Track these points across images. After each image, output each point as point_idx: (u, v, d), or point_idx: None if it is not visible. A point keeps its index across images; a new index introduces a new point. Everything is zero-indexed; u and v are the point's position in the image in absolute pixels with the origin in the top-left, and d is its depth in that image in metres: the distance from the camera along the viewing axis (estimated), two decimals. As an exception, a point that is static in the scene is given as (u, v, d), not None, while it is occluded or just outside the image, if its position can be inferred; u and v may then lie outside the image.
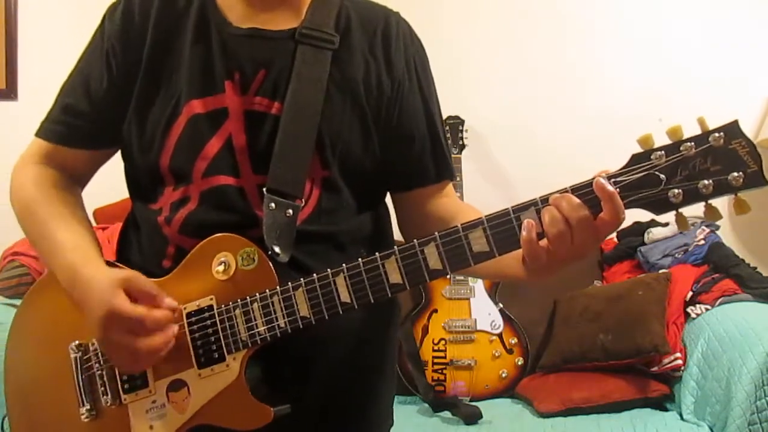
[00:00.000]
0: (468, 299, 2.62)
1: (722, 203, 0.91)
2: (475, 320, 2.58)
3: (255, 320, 1.05)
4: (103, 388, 1.12)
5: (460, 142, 2.91)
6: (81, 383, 1.13)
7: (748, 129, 3.12)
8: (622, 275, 2.71)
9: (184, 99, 1.11)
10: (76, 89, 1.18)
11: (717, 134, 0.88)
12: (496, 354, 2.56)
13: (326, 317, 1.03)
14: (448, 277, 2.63)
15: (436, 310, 2.62)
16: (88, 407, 1.13)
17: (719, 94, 2.89)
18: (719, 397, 2.02)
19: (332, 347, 1.12)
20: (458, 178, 2.80)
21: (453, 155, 2.82)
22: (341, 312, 1.02)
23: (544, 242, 0.93)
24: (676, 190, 0.89)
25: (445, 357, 2.54)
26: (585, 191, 0.91)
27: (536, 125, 3.04)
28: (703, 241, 2.60)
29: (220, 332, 1.06)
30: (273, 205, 1.07)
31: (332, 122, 1.12)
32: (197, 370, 1.07)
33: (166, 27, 1.14)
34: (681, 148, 0.89)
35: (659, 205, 0.90)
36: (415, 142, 1.20)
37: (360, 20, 1.18)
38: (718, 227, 2.69)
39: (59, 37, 2.93)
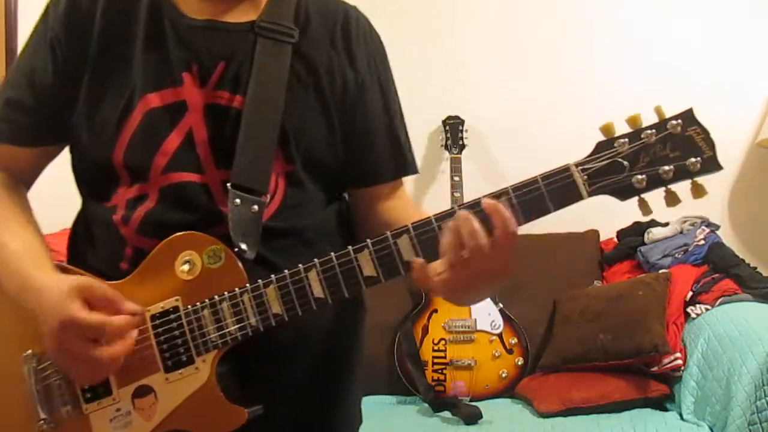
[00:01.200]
0: (468, 299, 2.62)
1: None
2: (475, 320, 2.58)
3: (225, 320, 1.01)
4: (62, 399, 1.05)
5: (460, 142, 2.91)
6: (37, 394, 1.05)
7: (748, 129, 3.14)
8: (622, 275, 2.71)
9: (139, 92, 1.06)
10: (19, 82, 1.11)
11: (674, 121, 0.91)
12: (496, 354, 2.56)
13: (300, 313, 1.00)
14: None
15: (436, 310, 2.62)
16: (46, 418, 1.05)
17: (719, 95, 2.89)
18: (719, 397, 2.02)
19: (303, 346, 1.10)
20: (458, 178, 2.80)
21: (453, 155, 2.87)
22: (315, 307, 1.00)
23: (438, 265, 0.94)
24: (639, 176, 0.92)
25: (445, 357, 2.54)
26: (476, 210, 0.92)
27: (536, 125, 3.04)
28: (703, 241, 2.60)
29: (188, 334, 1.02)
30: (238, 201, 1.04)
31: (295, 116, 1.09)
32: (164, 375, 1.03)
33: (117, 16, 1.09)
34: (642, 136, 0.92)
35: (624, 191, 0.93)
36: (375, 141, 1.18)
37: (319, 14, 1.15)
38: (718, 227, 2.69)
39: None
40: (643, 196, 0.93)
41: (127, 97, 1.07)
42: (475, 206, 0.93)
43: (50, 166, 1.20)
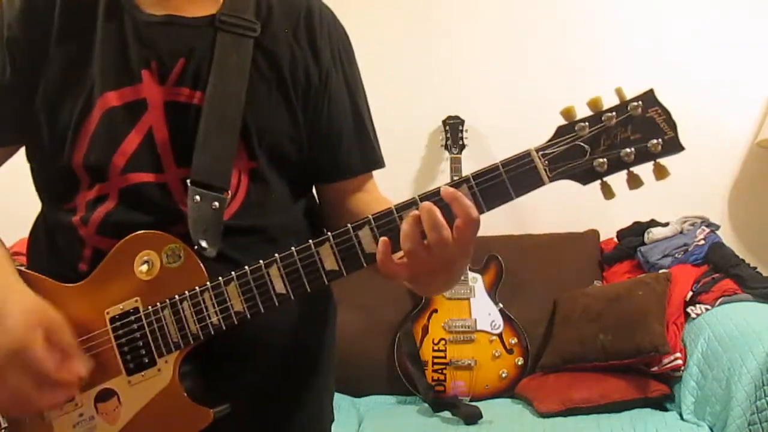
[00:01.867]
0: (468, 299, 2.63)
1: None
2: (475, 320, 2.59)
3: (186, 320, 0.99)
4: None
5: (460, 142, 2.91)
6: None
7: (748, 129, 3.14)
8: (622, 275, 2.71)
9: (97, 91, 1.03)
10: None
11: (635, 103, 0.91)
12: (496, 354, 2.56)
13: (262, 310, 0.98)
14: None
15: (436, 310, 2.62)
16: (6, 426, 1.03)
17: (719, 95, 2.89)
18: (719, 397, 2.02)
19: (269, 343, 1.08)
20: (458, 178, 2.80)
21: (453, 155, 2.87)
22: (277, 303, 0.98)
23: (400, 254, 0.92)
24: (600, 159, 0.91)
25: (445, 357, 2.54)
26: (435, 199, 0.92)
27: (536, 125, 3.02)
28: (703, 241, 2.60)
29: (149, 335, 1.00)
30: (198, 197, 1.01)
31: (257, 111, 1.07)
32: (126, 377, 1.00)
33: (75, 12, 1.06)
34: (603, 118, 0.91)
35: (585, 175, 0.92)
36: (342, 134, 1.16)
37: (281, 7, 1.12)
38: (718, 227, 2.69)
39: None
40: (605, 179, 0.92)
41: (86, 97, 1.04)
42: (434, 195, 0.92)
43: (5, 175, 1.17)
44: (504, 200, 0.94)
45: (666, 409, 2.27)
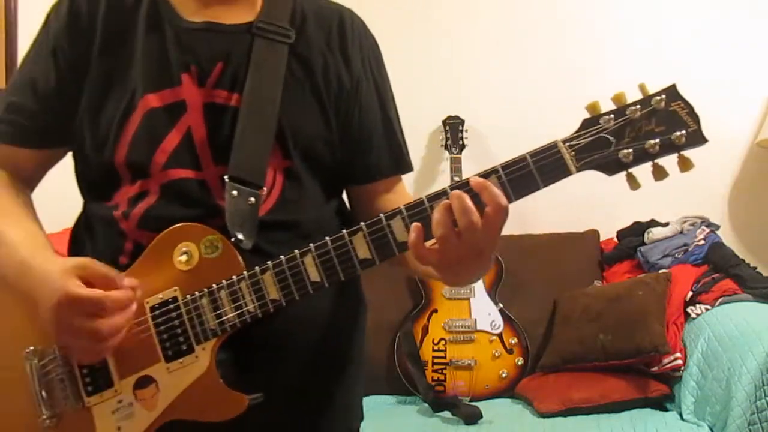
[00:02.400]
0: (468, 299, 2.63)
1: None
2: (475, 320, 2.59)
3: (223, 308, 1.03)
4: (64, 393, 1.07)
5: (460, 142, 2.92)
6: (39, 390, 1.07)
7: (748, 129, 3.14)
8: (622, 275, 2.71)
9: (139, 93, 1.09)
10: (23, 88, 1.15)
11: (658, 97, 0.94)
12: (496, 354, 2.56)
13: (297, 298, 1.02)
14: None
15: (436, 310, 2.62)
16: (49, 414, 1.07)
17: (719, 94, 2.89)
18: (719, 397, 2.02)
19: (301, 336, 1.11)
20: (458, 178, 2.80)
21: (453, 155, 2.87)
22: (312, 291, 1.02)
23: (432, 242, 0.95)
24: (625, 151, 0.93)
25: (445, 357, 2.54)
26: (466, 189, 0.95)
27: (536, 125, 3.03)
28: (703, 241, 2.60)
29: (187, 323, 1.04)
30: (235, 192, 1.06)
31: (292, 113, 1.12)
32: (165, 365, 1.04)
33: (116, 22, 1.13)
34: (627, 112, 0.94)
35: (611, 165, 0.95)
36: (372, 138, 1.21)
37: (314, 16, 1.19)
38: (718, 227, 2.69)
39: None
40: (630, 170, 0.95)
41: (128, 99, 1.10)
42: (464, 186, 0.95)
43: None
44: (532, 190, 0.97)
45: (666, 409, 2.27)
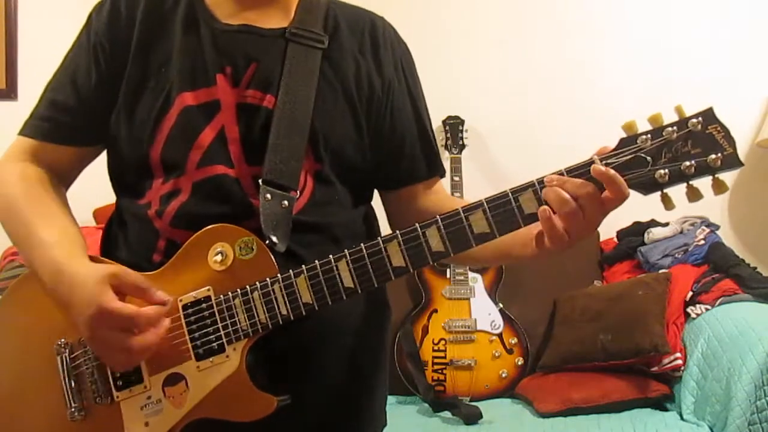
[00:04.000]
0: (468, 299, 2.63)
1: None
2: (475, 320, 2.59)
3: (255, 309, 1.04)
4: (93, 387, 1.09)
5: (460, 142, 2.92)
6: (68, 382, 1.10)
7: (748, 129, 3.14)
8: (622, 275, 2.71)
9: (175, 91, 1.12)
10: (63, 86, 1.17)
11: (695, 120, 0.94)
12: (496, 354, 2.56)
13: (329, 303, 1.03)
14: (448, 276, 2.64)
15: (436, 310, 2.62)
16: (77, 406, 1.09)
17: (719, 94, 2.89)
18: (719, 397, 2.02)
19: (331, 340, 1.13)
20: (458, 178, 2.80)
21: (453, 155, 2.87)
22: (345, 297, 1.03)
23: (557, 220, 0.97)
24: (662, 171, 0.95)
25: (445, 357, 2.54)
26: (581, 171, 0.97)
27: (536, 125, 3.04)
28: (703, 241, 2.60)
29: (219, 323, 1.05)
30: (269, 196, 1.08)
31: (324, 117, 1.14)
32: (195, 363, 1.06)
33: (154, 22, 1.16)
34: (664, 133, 0.95)
35: (647, 185, 0.96)
36: (405, 142, 1.23)
37: (347, 22, 1.22)
38: (718, 227, 2.70)
39: (59, 37, 2.92)
40: (665, 191, 0.96)
41: (165, 96, 1.12)
42: (584, 170, 0.97)
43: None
44: None
45: (666, 409, 2.26)
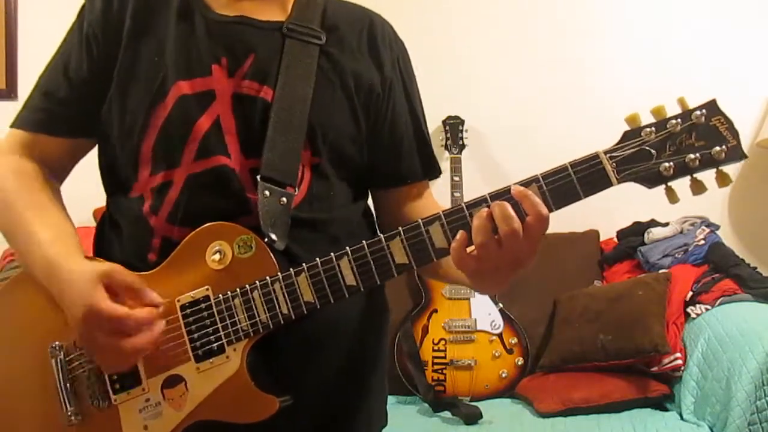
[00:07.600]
0: (468, 299, 2.62)
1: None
2: (475, 320, 2.59)
3: (256, 308, 1.02)
4: (90, 390, 1.06)
5: (460, 142, 2.91)
6: (64, 385, 1.06)
7: (748, 129, 3.14)
8: (622, 275, 2.71)
9: (171, 80, 1.09)
10: (56, 77, 1.15)
11: (698, 112, 0.94)
12: (496, 354, 2.56)
13: (332, 301, 1.01)
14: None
15: (436, 310, 2.62)
16: (73, 410, 1.06)
17: (719, 94, 2.87)
18: (719, 397, 2.02)
19: (331, 341, 1.11)
20: (458, 178, 2.80)
21: (453, 155, 2.87)
22: (347, 295, 1.01)
23: (471, 249, 0.95)
24: (666, 164, 0.94)
25: (445, 357, 2.54)
26: (506, 197, 0.95)
27: (536, 125, 3.04)
28: (703, 241, 2.60)
29: (219, 323, 1.03)
30: (267, 192, 1.06)
31: (322, 112, 1.12)
32: (195, 364, 1.04)
33: (147, 11, 1.14)
34: (668, 125, 0.94)
35: (652, 178, 0.95)
36: (403, 141, 1.22)
37: (345, 20, 1.20)
38: (718, 227, 2.69)
39: (59, 36, 2.93)
40: (669, 184, 0.95)
41: (159, 85, 1.10)
42: (505, 194, 0.95)
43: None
44: (572, 200, 0.97)
45: (666, 409, 2.26)
